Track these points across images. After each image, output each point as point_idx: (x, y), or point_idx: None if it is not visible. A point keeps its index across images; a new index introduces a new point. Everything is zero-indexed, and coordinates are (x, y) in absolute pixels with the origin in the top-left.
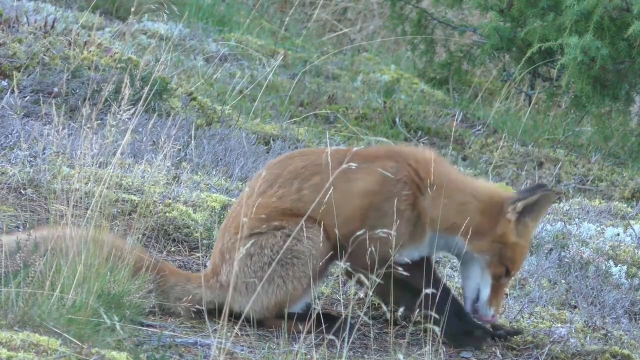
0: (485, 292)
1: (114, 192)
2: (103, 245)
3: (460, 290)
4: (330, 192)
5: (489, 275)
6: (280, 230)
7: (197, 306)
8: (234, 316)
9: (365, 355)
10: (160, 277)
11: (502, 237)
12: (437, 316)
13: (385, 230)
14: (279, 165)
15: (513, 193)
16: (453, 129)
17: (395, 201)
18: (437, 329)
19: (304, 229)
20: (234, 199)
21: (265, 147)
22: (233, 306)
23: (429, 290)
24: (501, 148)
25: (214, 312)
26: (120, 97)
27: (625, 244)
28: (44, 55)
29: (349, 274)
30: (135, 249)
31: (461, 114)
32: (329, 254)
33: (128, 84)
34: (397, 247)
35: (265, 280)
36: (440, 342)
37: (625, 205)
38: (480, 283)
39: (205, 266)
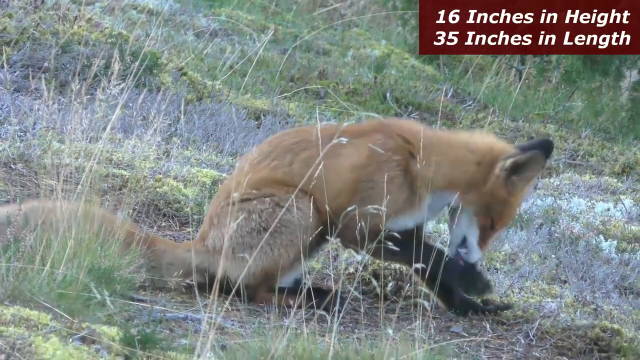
0: (473, 239)
1: (104, 167)
2: (93, 220)
3: None
4: (320, 167)
5: (476, 224)
6: (269, 197)
7: (187, 281)
8: (224, 290)
9: (356, 330)
10: (149, 248)
11: (491, 192)
12: (427, 291)
13: (376, 206)
14: (274, 140)
15: (512, 147)
16: (441, 104)
17: (387, 169)
18: (426, 304)
19: (294, 199)
20: (224, 174)
21: (256, 122)
22: (219, 271)
23: (419, 265)
24: (491, 123)
25: (204, 287)
26: (110, 72)
27: (615, 218)
28: (34, 30)
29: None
30: (125, 224)
31: (452, 89)
32: (319, 228)
33: (118, 58)
34: (391, 215)
35: (253, 247)
36: (431, 317)
37: (616, 180)
38: (467, 231)
39: None
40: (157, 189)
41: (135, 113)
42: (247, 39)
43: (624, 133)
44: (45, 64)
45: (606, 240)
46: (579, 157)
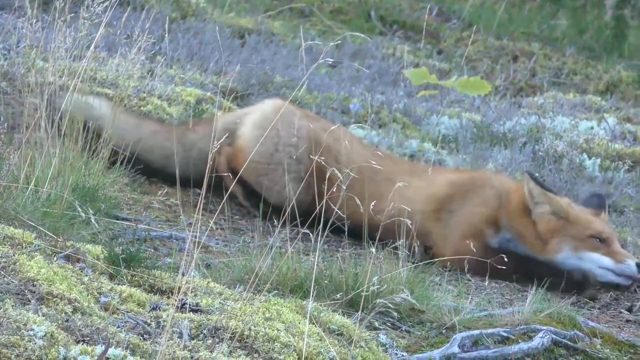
0: (605, 262)
1: (88, 86)
2: (77, 138)
3: None
4: None
5: (586, 251)
6: None
7: (172, 200)
8: (209, 210)
9: (340, 249)
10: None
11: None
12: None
13: None
14: None
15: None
16: (425, 23)
17: None
18: (409, 223)
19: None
20: (208, 93)
21: (240, 41)
22: None
23: None
24: (476, 42)
25: (189, 207)
26: None
27: (599, 137)
28: None
29: None
30: (110, 143)
31: (436, 7)
32: None
33: None
34: None
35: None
36: (414, 236)
37: (600, 98)
38: (592, 264)
39: None
40: (142, 108)
41: (119, 31)
42: None
43: (608, 51)
44: None
45: (590, 158)
46: (563, 76)
